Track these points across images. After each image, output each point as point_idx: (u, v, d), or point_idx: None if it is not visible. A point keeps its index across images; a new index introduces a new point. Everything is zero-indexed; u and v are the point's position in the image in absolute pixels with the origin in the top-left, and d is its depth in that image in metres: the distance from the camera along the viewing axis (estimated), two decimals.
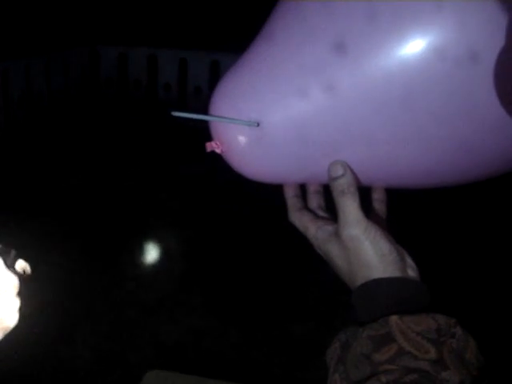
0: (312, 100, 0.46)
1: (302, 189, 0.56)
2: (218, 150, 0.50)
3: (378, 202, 0.56)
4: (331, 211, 0.52)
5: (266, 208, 2.66)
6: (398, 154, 0.48)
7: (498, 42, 0.41)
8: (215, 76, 5.49)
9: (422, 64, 0.42)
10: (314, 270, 2.58)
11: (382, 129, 0.46)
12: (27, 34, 4.97)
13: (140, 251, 3.06)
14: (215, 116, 0.49)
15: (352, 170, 0.49)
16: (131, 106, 5.67)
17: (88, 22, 5.82)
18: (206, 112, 0.51)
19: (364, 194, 0.55)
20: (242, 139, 0.49)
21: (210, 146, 0.50)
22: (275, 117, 0.48)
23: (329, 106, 0.46)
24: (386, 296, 0.47)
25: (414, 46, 0.42)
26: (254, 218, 3.30)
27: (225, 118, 0.49)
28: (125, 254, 2.93)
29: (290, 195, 0.55)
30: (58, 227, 3.12)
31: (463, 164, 0.48)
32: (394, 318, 0.44)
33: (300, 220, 0.54)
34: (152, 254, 3.10)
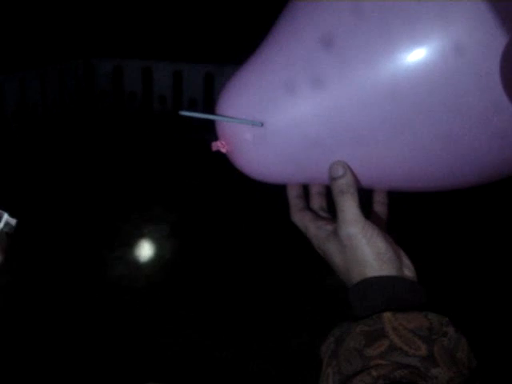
0: (302, 96, 0.47)
1: (305, 189, 0.57)
2: (223, 150, 0.51)
3: (380, 204, 0.57)
4: (333, 213, 0.53)
5: (262, 222, 2.67)
6: (391, 153, 0.48)
7: (483, 34, 0.41)
8: (210, 88, 5.52)
9: (407, 57, 0.43)
10: (310, 282, 2.59)
11: (371, 124, 0.46)
12: (22, 47, 4.99)
13: (136, 263, 3.05)
14: (221, 116, 0.50)
15: (352, 171, 0.50)
16: (126, 118, 5.68)
17: (83, 36, 5.85)
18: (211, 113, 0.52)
19: (368, 195, 0.56)
20: (246, 139, 0.50)
21: (216, 146, 0.51)
22: (278, 116, 0.49)
23: (319, 102, 0.47)
24: (380, 294, 0.48)
25: (399, 40, 0.43)
26: (249, 231, 3.30)
27: (230, 117, 0.50)
28: (121, 265, 2.92)
29: (293, 195, 0.56)
30: (52, 238, 3.11)
31: (454, 162, 0.48)
32: (387, 315, 0.45)
33: (301, 220, 0.55)
34: (148, 265, 3.09)
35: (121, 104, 5.86)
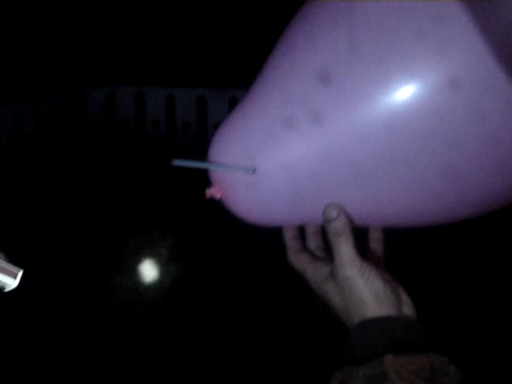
0: (298, 133, 0.47)
1: (301, 230, 0.57)
2: (217, 196, 0.52)
3: (375, 241, 0.57)
4: (330, 251, 0.53)
5: (260, 243, 2.66)
6: (388, 190, 0.48)
7: (478, 67, 0.42)
8: (203, 111, 5.56)
9: (404, 91, 0.43)
10: (310, 303, 2.57)
11: (368, 159, 0.46)
12: (15, 78, 5.02)
13: (134, 289, 3.03)
14: (214, 164, 0.51)
15: (346, 212, 0.50)
16: (121, 144, 5.71)
17: (74, 64, 5.90)
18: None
19: (362, 232, 0.56)
20: (239, 186, 0.50)
21: (210, 193, 0.51)
22: (270, 162, 0.49)
23: (316, 139, 0.47)
24: (380, 334, 0.48)
25: (396, 74, 0.43)
26: (248, 254, 3.29)
27: (223, 165, 0.50)
28: (120, 294, 2.90)
29: (289, 237, 0.56)
30: (49, 266, 3.09)
31: (452, 196, 0.48)
32: (388, 358, 0.44)
33: (298, 262, 0.55)
34: (146, 291, 3.08)
35: (115, 130, 5.89)
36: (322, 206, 0.50)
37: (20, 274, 0.52)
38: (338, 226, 0.49)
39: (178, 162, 0.48)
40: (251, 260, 3.22)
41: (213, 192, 0.51)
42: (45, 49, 5.61)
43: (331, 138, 0.47)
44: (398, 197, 0.49)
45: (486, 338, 2.40)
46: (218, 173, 0.52)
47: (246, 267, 3.15)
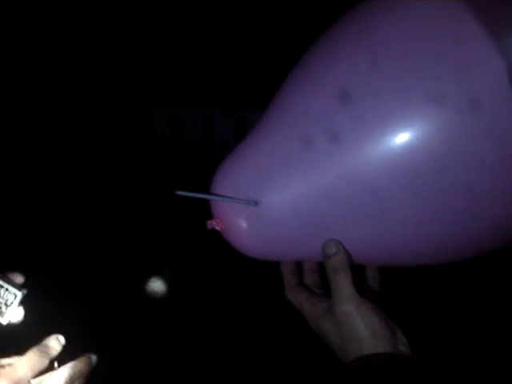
0: (316, 152, 0.47)
1: (298, 266, 0.57)
2: (217, 228, 0.52)
3: (372, 279, 0.58)
4: (326, 289, 0.53)
5: (261, 266, 2.63)
6: (406, 214, 0.47)
7: (498, 88, 0.42)
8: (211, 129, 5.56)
9: (423, 111, 0.43)
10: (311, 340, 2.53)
11: (387, 181, 0.45)
12: (26, 95, 5.03)
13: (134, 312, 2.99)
14: (216, 195, 0.51)
15: (345, 249, 0.50)
16: (129, 159, 5.69)
17: (86, 81, 5.91)
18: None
19: (360, 270, 0.56)
20: (241, 218, 0.50)
21: (211, 224, 0.52)
22: (273, 196, 0.49)
23: (332, 163, 0.46)
24: (376, 371, 0.48)
25: (415, 95, 0.43)
26: (249, 276, 3.26)
27: (225, 197, 0.51)
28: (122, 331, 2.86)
29: (287, 272, 0.57)
30: (48, 287, 3.07)
31: (469, 220, 0.47)
32: None
33: (296, 297, 0.55)
34: (146, 314, 3.04)
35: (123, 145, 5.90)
36: (321, 243, 0.51)
37: (8, 313, 0.51)
38: (337, 261, 0.50)
39: (181, 193, 0.49)
40: (251, 282, 3.18)
41: (214, 223, 0.52)
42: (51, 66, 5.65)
43: (349, 161, 0.46)
44: (417, 223, 0.47)
45: (481, 374, 2.36)
46: (218, 206, 0.52)
47: (246, 290, 3.11)
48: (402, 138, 0.44)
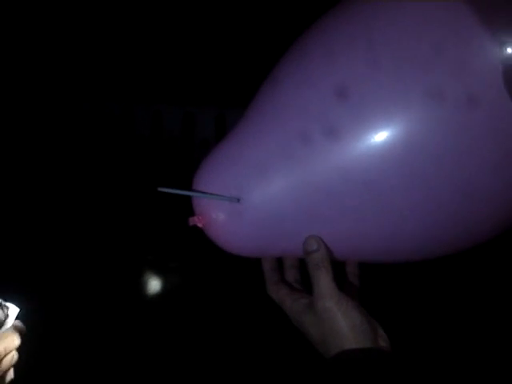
0: (314, 147, 0.46)
1: (279, 262, 0.58)
2: (199, 225, 0.52)
3: (352, 275, 0.59)
4: (307, 284, 0.54)
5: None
6: (402, 210, 0.47)
7: (498, 83, 0.42)
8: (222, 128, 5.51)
9: (422, 107, 0.43)
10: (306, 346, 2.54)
11: (382, 177, 0.45)
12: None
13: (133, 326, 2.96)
14: (199, 192, 0.51)
15: (326, 245, 0.51)
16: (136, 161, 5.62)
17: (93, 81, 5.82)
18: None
19: (340, 266, 0.57)
20: (222, 215, 0.50)
21: (192, 221, 0.52)
22: (254, 193, 0.49)
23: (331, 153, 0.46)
24: (357, 366, 0.49)
25: (414, 90, 0.43)
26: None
27: (207, 194, 0.51)
28: (121, 336, 2.83)
29: (268, 268, 0.57)
30: (47, 295, 3.01)
31: (467, 216, 0.47)
32: None
33: (277, 293, 0.56)
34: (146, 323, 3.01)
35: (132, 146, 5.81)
36: (303, 239, 0.51)
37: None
38: (318, 257, 0.50)
39: (163, 189, 0.49)
40: (252, 284, 3.15)
41: (196, 220, 0.52)
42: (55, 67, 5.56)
43: (345, 157, 0.46)
44: (413, 219, 0.47)
45: (464, 370, 2.39)
46: (200, 203, 0.52)
47: (247, 292, 3.09)
48: (399, 134, 0.43)
